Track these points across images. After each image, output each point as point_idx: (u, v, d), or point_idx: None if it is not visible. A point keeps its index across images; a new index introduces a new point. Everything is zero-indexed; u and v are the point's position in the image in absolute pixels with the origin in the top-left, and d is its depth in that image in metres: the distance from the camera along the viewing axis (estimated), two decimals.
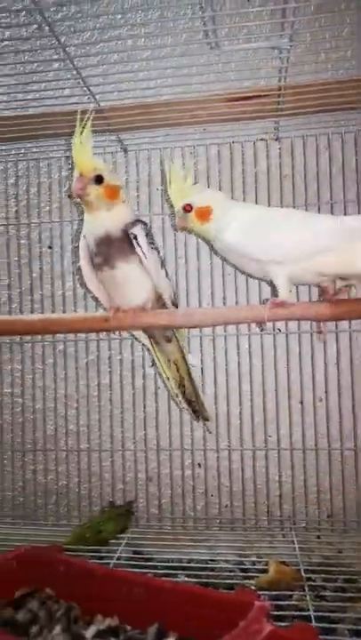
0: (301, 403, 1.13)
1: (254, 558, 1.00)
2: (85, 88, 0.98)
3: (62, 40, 0.89)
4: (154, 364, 1.06)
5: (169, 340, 0.96)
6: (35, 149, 1.22)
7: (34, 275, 1.23)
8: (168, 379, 0.99)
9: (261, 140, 1.16)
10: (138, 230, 0.82)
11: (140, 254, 0.82)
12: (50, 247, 1.24)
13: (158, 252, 0.87)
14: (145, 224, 0.85)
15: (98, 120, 1.06)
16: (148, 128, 1.11)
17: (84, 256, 0.86)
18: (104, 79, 1.05)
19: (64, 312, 1.20)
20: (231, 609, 0.62)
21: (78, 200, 0.82)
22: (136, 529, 1.12)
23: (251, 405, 1.14)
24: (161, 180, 1.19)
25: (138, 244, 0.82)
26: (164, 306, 0.89)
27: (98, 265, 0.84)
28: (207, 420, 1.05)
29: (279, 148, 1.15)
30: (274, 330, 1.13)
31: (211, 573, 0.95)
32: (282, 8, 0.90)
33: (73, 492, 1.21)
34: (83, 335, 1.19)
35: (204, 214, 0.82)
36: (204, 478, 1.17)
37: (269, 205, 1.13)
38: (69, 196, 1.25)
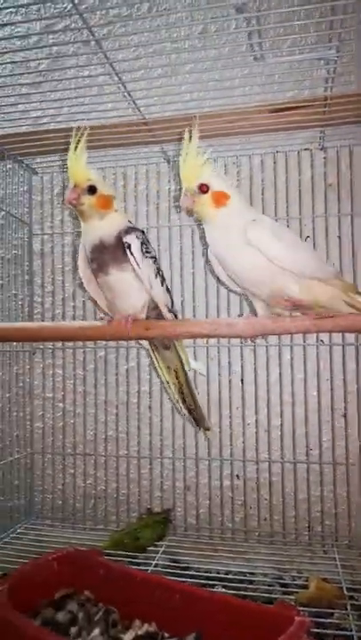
0: (345, 416, 1.10)
1: (294, 573, 0.98)
2: (131, 101, 1.01)
3: (109, 55, 0.91)
4: (153, 367, 1.06)
5: (167, 348, 0.96)
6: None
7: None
8: (168, 383, 0.99)
9: (306, 149, 1.15)
10: (132, 239, 0.83)
11: (133, 263, 0.83)
12: None
13: (154, 261, 0.87)
14: (141, 232, 0.86)
15: (142, 132, 1.10)
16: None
17: (82, 260, 0.89)
18: (148, 92, 1.08)
19: None
20: (271, 623, 0.61)
21: (71, 208, 0.84)
22: (174, 537, 1.12)
23: (292, 417, 1.12)
24: None
25: (131, 252, 0.82)
26: (160, 315, 0.89)
27: (94, 271, 0.87)
28: (208, 429, 1.04)
29: (324, 158, 1.15)
30: (317, 341, 1.12)
31: (249, 586, 0.94)
32: (329, 20, 0.90)
33: (111, 498, 1.22)
34: (124, 342, 1.21)
35: (222, 199, 0.78)
36: (243, 490, 1.16)
37: (314, 215, 1.13)
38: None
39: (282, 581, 0.98)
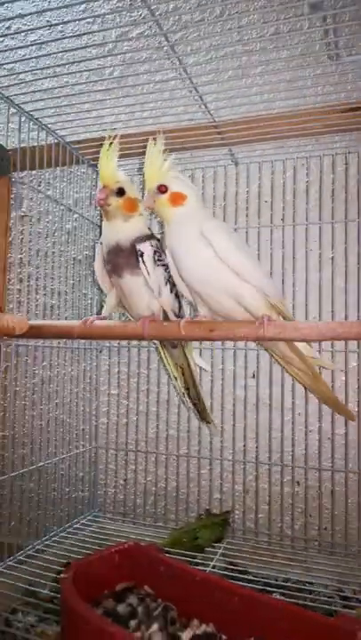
0: None
1: (355, 587, 0.95)
2: (202, 104, 1.02)
3: (182, 60, 0.93)
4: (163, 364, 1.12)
5: (174, 347, 1.00)
6: None
7: None
8: (176, 379, 1.05)
9: None
10: (145, 247, 0.86)
11: (144, 271, 0.86)
12: None
13: (166, 269, 0.88)
14: (157, 240, 0.89)
15: (212, 135, 1.10)
16: (260, 141, 1.12)
17: (99, 259, 0.93)
18: (218, 95, 1.08)
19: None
20: (332, 635, 0.59)
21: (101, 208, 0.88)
22: (232, 540, 1.12)
23: (358, 426, 1.09)
24: (270, 191, 1.19)
25: (143, 260, 0.85)
26: (167, 319, 0.91)
27: (108, 272, 0.91)
28: (209, 422, 1.11)
29: None
30: None
31: (308, 596, 0.92)
32: None
33: (170, 496, 1.24)
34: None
35: (178, 199, 0.83)
36: (303, 497, 1.13)
37: None
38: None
39: (342, 594, 0.96)
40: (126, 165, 1.27)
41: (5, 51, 1.24)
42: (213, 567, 0.96)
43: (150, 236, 0.89)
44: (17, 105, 1.01)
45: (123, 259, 0.87)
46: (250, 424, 1.18)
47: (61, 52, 1.10)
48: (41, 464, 1.15)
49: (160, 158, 0.84)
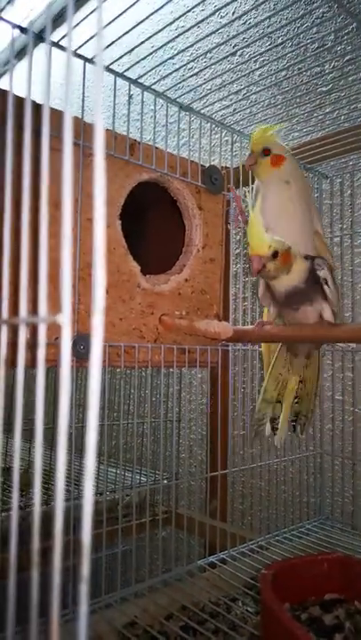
0: None
1: None
2: None
3: None
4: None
5: (308, 357, 0.98)
6: None
7: None
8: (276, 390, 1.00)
9: None
10: (326, 274, 0.85)
11: (329, 294, 0.85)
12: None
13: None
14: (321, 258, 0.88)
15: None
16: None
17: (262, 290, 0.93)
18: None
19: None
20: None
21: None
22: None
23: None
24: None
25: (328, 286, 0.85)
26: None
27: (279, 305, 0.90)
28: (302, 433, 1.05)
29: None
30: None
31: None
32: None
33: None
34: None
35: (278, 161, 0.96)
36: None
37: None
38: None
39: None
40: (345, 164, 1.23)
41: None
42: None
43: (313, 258, 0.87)
44: (229, 126, 1.10)
45: (301, 297, 0.87)
46: None
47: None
48: (267, 462, 1.20)
49: (268, 128, 0.97)
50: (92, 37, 0.80)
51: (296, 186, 0.96)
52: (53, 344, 0.65)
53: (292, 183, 0.96)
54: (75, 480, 1.33)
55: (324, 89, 1.22)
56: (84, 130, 0.78)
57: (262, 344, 1.06)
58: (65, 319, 0.28)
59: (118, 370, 1.46)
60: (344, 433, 1.25)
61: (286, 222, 0.93)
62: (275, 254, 0.83)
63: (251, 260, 0.82)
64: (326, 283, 0.85)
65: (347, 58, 1.17)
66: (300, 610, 0.71)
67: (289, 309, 0.90)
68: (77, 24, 0.76)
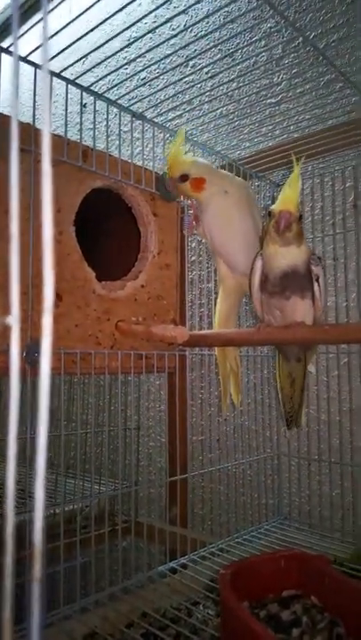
0: None
1: None
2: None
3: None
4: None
5: (299, 360, 0.97)
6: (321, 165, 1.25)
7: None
8: (283, 389, 1.01)
9: None
10: (320, 271, 0.86)
11: (317, 293, 0.86)
12: (335, 259, 1.24)
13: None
14: (319, 258, 0.88)
15: None
16: None
17: (256, 283, 0.90)
18: None
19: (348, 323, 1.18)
20: None
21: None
22: None
23: None
24: None
25: (318, 284, 0.86)
26: None
27: (271, 293, 0.87)
28: (298, 426, 1.06)
29: None
30: None
31: None
32: None
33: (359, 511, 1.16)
34: None
35: (199, 184, 0.96)
36: None
37: None
38: (354, 206, 1.24)
39: None
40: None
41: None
42: None
43: (319, 259, 0.88)
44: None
45: (296, 282, 0.86)
46: None
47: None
48: (225, 465, 1.21)
49: (182, 150, 0.97)
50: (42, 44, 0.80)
51: (233, 198, 0.98)
52: (4, 351, 0.64)
53: (230, 194, 0.98)
54: (29, 493, 1.30)
55: (273, 100, 1.26)
56: (35, 136, 0.78)
57: (217, 349, 1.07)
58: (14, 320, 0.27)
59: (75, 379, 1.44)
60: (300, 434, 1.28)
61: (231, 234, 0.98)
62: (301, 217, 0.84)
63: (280, 216, 0.81)
64: (318, 280, 0.86)
65: (294, 70, 1.21)
66: (259, 607, 0.72)
67: (281, 298, 0.87)
68: (28, 30, 0.76)
